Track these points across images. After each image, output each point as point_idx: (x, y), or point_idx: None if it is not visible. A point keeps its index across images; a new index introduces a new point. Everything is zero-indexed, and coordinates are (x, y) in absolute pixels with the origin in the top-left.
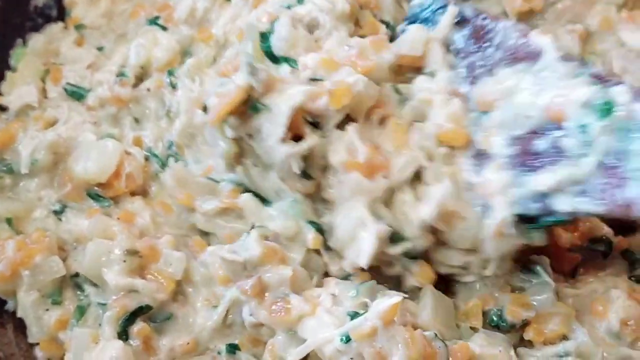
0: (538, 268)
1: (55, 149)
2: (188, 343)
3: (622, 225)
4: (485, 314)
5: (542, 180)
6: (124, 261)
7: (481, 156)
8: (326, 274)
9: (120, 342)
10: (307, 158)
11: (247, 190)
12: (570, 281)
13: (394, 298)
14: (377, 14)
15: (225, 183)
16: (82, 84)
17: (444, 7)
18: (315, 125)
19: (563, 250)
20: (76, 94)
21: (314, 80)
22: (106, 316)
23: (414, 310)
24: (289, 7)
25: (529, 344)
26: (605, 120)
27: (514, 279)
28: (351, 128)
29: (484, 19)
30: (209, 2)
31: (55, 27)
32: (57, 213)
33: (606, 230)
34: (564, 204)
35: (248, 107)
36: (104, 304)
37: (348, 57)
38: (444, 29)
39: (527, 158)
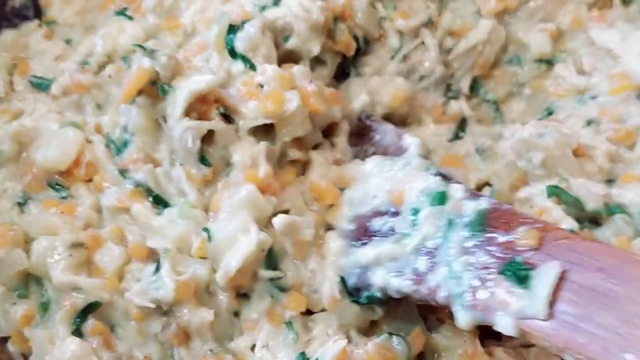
0: None
1: (19, 139)
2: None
3: (589, 220)
4: None
5: (365, 253)
6: (70, 255)
7: (329, 227)
8: None
9: (77, 339)
10: (209, 143)
11: (150, 192)
12: None
13: (338, 344)
14: (351, 28)
15: (129, 182)
16: (48, 75)
17: None
18: (227, 118)
19: None
20: (42, 85)
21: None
22: (58, 316)
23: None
24: (263, 8)
25: (496, 335)
26: (435, 208)
27: None
28: (263, 144)
29: (371, 120)
30: None
31: (31, 25)
32: (21, 205)
33: (573, 224)
34: (378, 278)
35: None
36: (58, 302)
37: (305, 87)
38: None
39: (362, 234)
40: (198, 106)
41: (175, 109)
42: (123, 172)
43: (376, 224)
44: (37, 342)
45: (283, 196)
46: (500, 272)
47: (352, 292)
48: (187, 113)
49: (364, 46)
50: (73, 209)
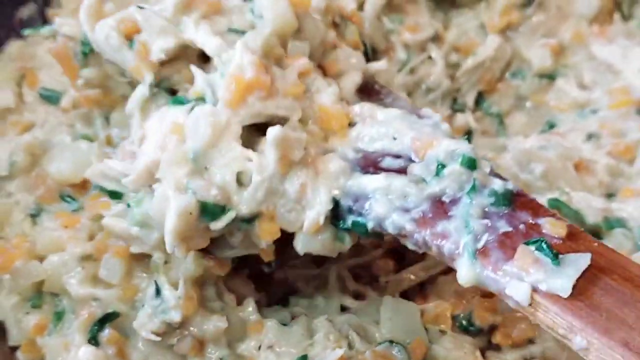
0: None
1: (32, 151)
2: None
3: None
4: (454, 318)
5: (375, 180)
6: (82, 268)
7: (328, 150)
8: None
9: (92, 347)
10: None
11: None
12: None
13: (336, 352)
14: (360, 34)
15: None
16: (58, 87)
17: None
18: None
19: None
20: (51, 98)
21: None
22: (75, 324)
23: (366, 325)
24: None
25: (497, 347)
26: (463, 168)
27: None
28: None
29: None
30: None
31: (37, 37)
32: (33, 216)
33: None
34: (380, 207)
35: None
36: (75, 312)
37: None
38: None
39: (370, 165)
40: None
41: None
42: None
43: (388, 162)
44: (50, 349)
45: (280, 101)
46: (527, 243)
47: (338, 215)
48: None
49: (372, 55)
50: (76, 221)
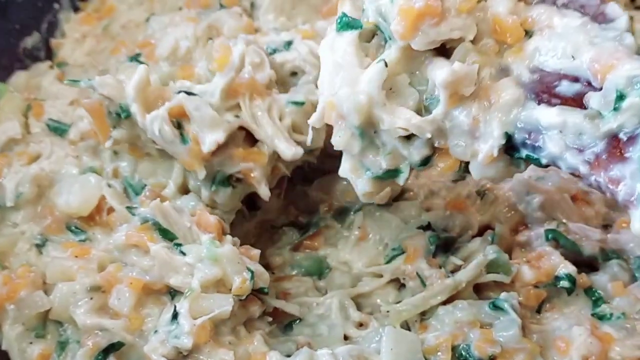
0: (506, 305)
1: (38, 182)
2: None
3: (585, 264)
4: (454, 348)
5: (549, 114)
6: (91, 298)
7: (503, 70)
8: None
9: None
10: None
11: (158, 227)
12: (536, 317)
13: None
14: None
15: (137, 218)
16: (64, 119)
17: None
18: None
19: (529, 286)
20: (58, 129)
21: None
22: (79, 354)
23: (367, 356)
24: (274, 51)
25: None
26: None
27: (482, 315)
28: None
29: None
30: (192, 42)
31: (42, 66)
32: (39, 246)
33: (570, 268)
34: (554, 146)
35: None
36: (79, 341)
37: None
38: None
39: (545, 91)
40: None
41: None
42: (131, 210)
43: (565, 87)
44: None
45: (453, 22)
46: None
47: (513, 145)
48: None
49: None
50: (87, 252)
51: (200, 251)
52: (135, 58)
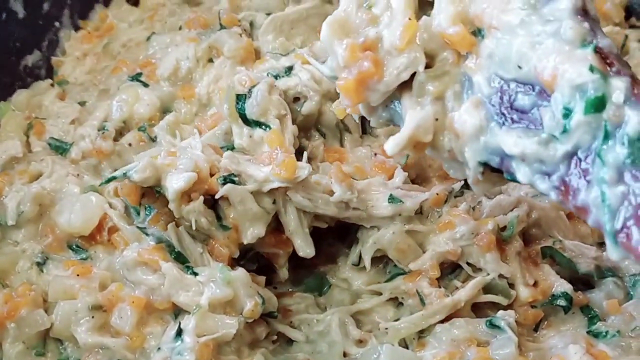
0: (502, 323)
1: (40, 201)
2: None
3: (581, 281)
4: None
5: (509, 142)
6: (92, 317)
7: (465, 83)
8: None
9: None
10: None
11: (172, 250)
12: (533, 335)
13: None
14: None
15: (150, 237)
16: (65, 138)
17: None
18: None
19: (526, 306)
20: (60, 148)
21: None
22: None
23: None
24: (276, 77)
25: None
26: (589, 117)
27: (479, 334)
28: None
29: None
30: (192, 63)
31: (43, 84)
32: (40, 265)
33: (566, 286)
34: (523, 175)
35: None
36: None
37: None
38: None
39: (505, 106)
40: (195, 187)
41: (170, 205)
42: (144, 229)
43: (521, 99)
44: None
45: (398, 62)
46: None
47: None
48: (187, 199)
49: None
50: (89, 270)
51: (213, 273)
52: (136, 77)
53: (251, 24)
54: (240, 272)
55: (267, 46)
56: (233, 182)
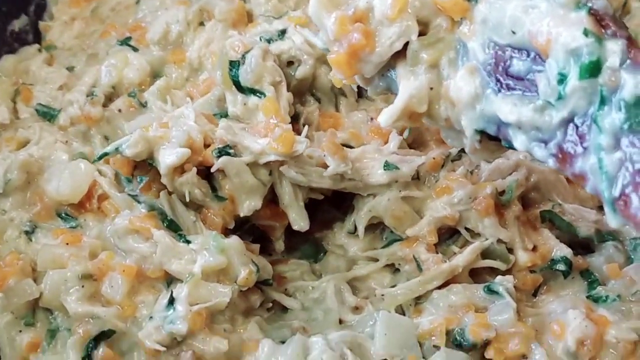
0: (500, 289)
1: (27, 168)
2: None
3: (581, 245)
4: (449, 333)
5: (505, 109)
6: (82, 286)
7: (460, 49)
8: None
9: None
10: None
11: (164, 217)
12: (532, 301)
13: None
14: None
15: (142, 206)
16: (53, 104)
17: None
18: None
19: (525, 270)
20: (48, 115)
21: None
22: (69, 342)
23: (361, 341)
24: (269, 41)
25: None
26: (585, 82)
27: (477, 299)
28: None
29: None
30: (183, 26)
31: (30, 49)
32: (28, 233)
33: (566, 250)
34: (520, 143)
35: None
36: (70, 329)
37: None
38: None
39: (500, 73)
40: (189, 159)
41: (163, 179)
42: (136, 197)
43: (516, 64)
44: None
45: (390, 32)
46: None
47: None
48: (180, 170)
49: None
50: (78, 239)
51: (206, 240)
52: (125, 42)
53: None
54: (234, 239)
55: (259, 8)
56: (228, 154)
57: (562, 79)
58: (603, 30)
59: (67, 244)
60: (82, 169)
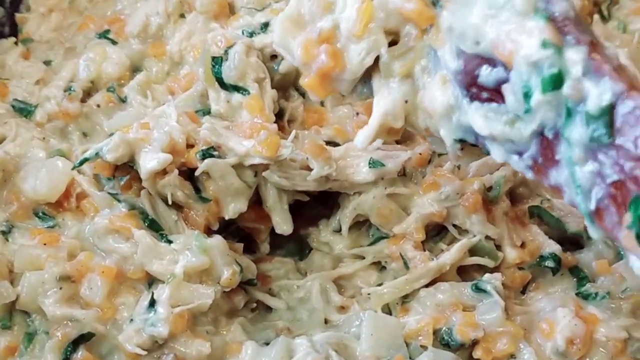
0: (488, 287)
1: (3, 166)
2: None
3: (570, 241)
4: (436, 332)
5: (478, 122)
6: (61, 288)
7: (432, 57)
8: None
9: None
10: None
11: (145, 217)
12: (520, 298)
13: None
14: None
15: (123, 204)
16: (30, 99)
17: None
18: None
19: (514, 268)
20: (24, 110)
21: None
22: (48, 345)
23: (347, 342)
24: (251, 34)
25: None
26: (548, 95)
27: (465, 298)
28: None
29: None
30: (163, 18)
31: (6, 42)
32: (5, 233)
33: (555, 247)
34: (497, 155)
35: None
36: (48, 332)
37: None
38: None
39: (470, 83)
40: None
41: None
42: (116, 196)
43: (484, 75)
44: None
45: (359, 48)
46: (629, 208)
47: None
48: (162, 172)
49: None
50: (56, 239)
51: (188, 240)
52: (104, 35)
53: None
54: (217, 239)
55: (241, 0)
56: (212, 156)
57: (527, 92)
58: (563, 38)
59: (45, 244)
60: (60, 167)
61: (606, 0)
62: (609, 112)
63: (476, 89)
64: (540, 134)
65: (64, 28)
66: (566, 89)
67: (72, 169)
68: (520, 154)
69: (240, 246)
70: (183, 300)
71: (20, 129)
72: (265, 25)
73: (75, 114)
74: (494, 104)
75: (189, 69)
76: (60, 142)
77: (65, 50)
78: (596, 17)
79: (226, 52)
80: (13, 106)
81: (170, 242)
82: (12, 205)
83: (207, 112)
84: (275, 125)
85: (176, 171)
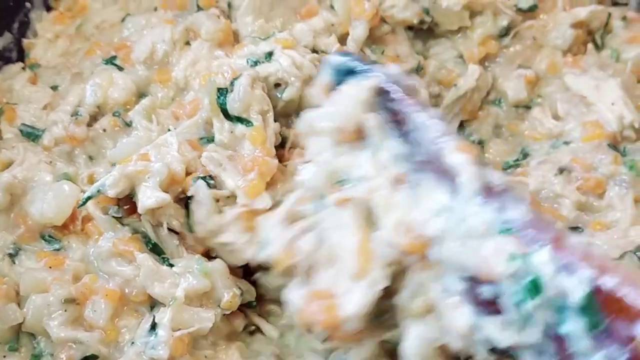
0: None
1: (11, 190)
2: None
3: None
4: None
5: (497, 336)
6: (65, 311)
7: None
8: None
9: None
10: None
11: (148, 240)
12: None
13: None
14: None
15: (127, 228)
16: (37, 124)
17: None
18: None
19: None
20: (32, 135)
21: None
22: None
23: None
24: (255, 64)
25: None
26: (537, 300)
27: None
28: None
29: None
30: (169, 45)
31: (14, 68)
32: (12, 256)
33: None
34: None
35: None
36: (53, 354)
37: None
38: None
39: (478, 301)
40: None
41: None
42: (120, 219)
43: (485, 291)
44: None
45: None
46: None
47: None
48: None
49: None
50: (61, 262)
51: (189, 264)
52: (110, 61)
53: (229, 5)
54: (218, 263)
55: (246, 28)
56: (209, 185)
57: (518, 301)
58: (526, 245)
59: (50, 267)
60: (67, 190)
61: (600, 29)
62: (592, 298)
63: (485, 305)
64: (550, 334)
65: (70, 54)
66: (547, 290)
67: (78, 207)
68: (542, 353)
69: (239, 270)
70: (184, 323)
71: (27, 153)
72: (269, 55)
73: (81, 138)
74: (501, 315)
75: (194, 95)
76: (67, 166)
77: (72, 76)
78: (590, 46)
79: (232, 83)
80: (21, 130)
81: (171, 265)
82: (19, 228)
83: (211, 139)
84: (276, 161)
85: (171, 202)
